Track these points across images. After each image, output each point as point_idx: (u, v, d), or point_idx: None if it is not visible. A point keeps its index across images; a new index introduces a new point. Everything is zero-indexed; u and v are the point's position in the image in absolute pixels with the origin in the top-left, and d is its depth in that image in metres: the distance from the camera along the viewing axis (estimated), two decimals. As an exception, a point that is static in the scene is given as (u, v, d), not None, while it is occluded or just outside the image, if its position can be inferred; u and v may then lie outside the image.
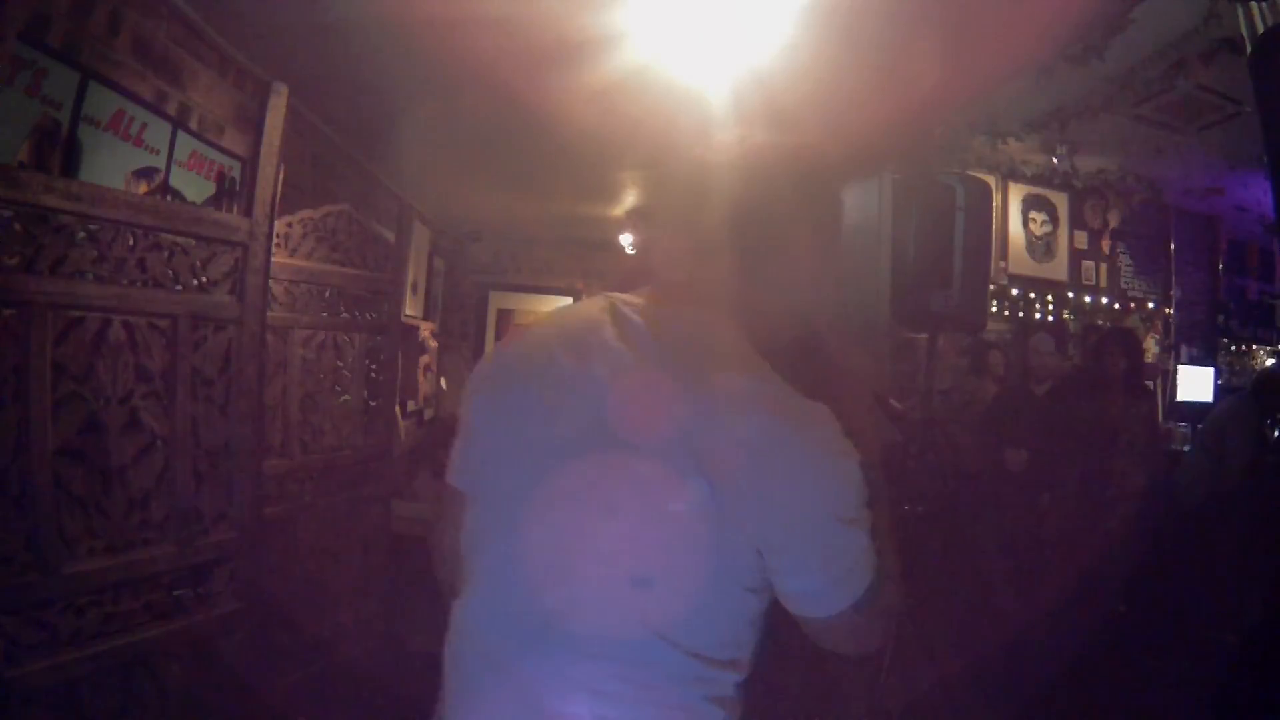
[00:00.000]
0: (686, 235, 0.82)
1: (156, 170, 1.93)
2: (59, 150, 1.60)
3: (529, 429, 0.76)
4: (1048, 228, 4.40)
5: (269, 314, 2.06)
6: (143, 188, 1.88)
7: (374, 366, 2.78)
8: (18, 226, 1.42)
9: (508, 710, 0.73)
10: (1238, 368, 5.14)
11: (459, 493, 0.82)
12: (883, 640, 0.80)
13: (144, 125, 1.86)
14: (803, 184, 0.79)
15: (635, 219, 4.59)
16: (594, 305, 0.82)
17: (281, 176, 2.08)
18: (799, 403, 0.70)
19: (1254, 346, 5.28)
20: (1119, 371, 3.01)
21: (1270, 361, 5.07)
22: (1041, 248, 4.38)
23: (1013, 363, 3.70)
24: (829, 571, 0.69)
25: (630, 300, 0.80)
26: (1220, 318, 4.97)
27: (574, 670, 0.71)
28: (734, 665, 0.74)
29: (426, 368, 4.89)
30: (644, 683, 0.70)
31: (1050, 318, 4.37)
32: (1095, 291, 4.55)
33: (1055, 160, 3.87)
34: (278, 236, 2.21)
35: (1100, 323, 4.45)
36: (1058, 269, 4.45)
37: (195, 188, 2.09)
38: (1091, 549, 2.76)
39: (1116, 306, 4.60)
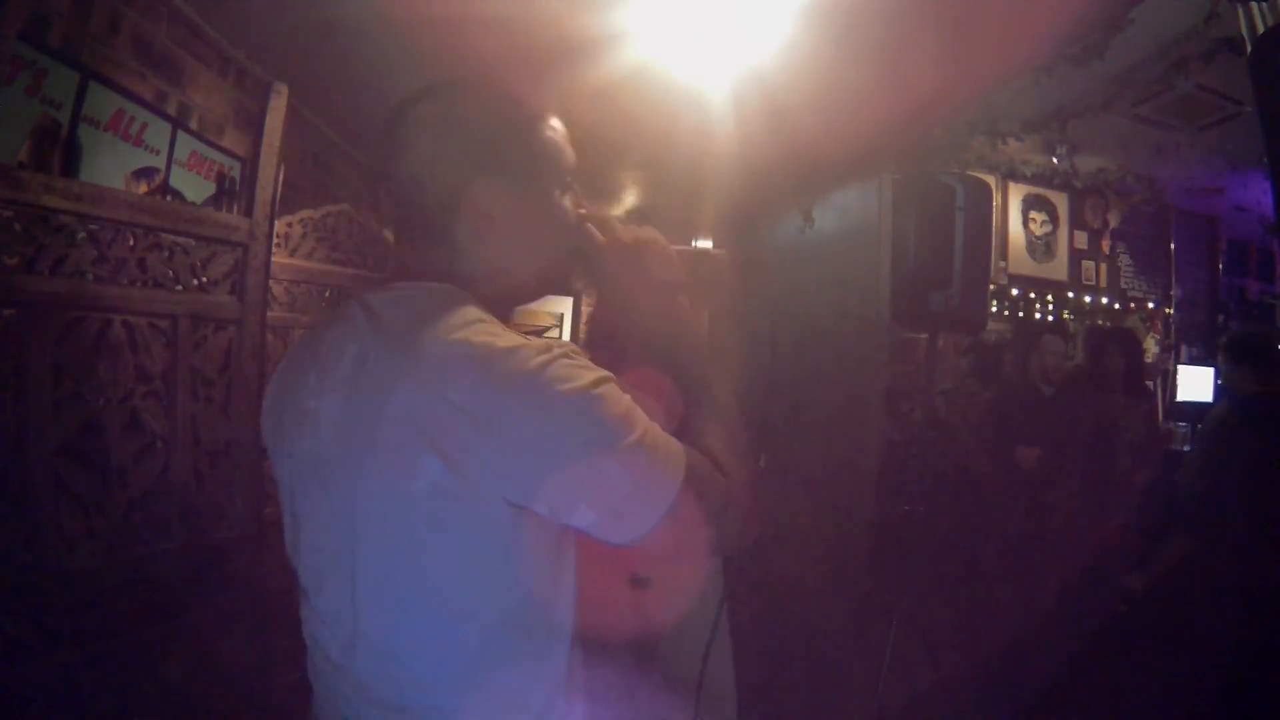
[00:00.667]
0: (385, 210, 0.81)
1: (156, 170, 1.93)
2: (59, 150, 1.60)
3: (299, 442, 0.77)
4: (1048, 228, 4.40)
5: (269, 314, 2.06)
6: (143, 188, 1.88)
7: (374, 366, 2.78)
8: (18, 226, 1.42)
9: None
10: (1238, 368, 5.13)
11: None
12: (741, 538, 0.79)
13: (144, 125, 1.86)
14: (454, 129, 0.77)
15: (635, 219, 4.58)
16: (340, 306, 0.83)
17: (281, 176, 2.08)
18: (513, 349, 0.67)
19: (1254, 346, 5.27)
20: (1119, 371, 3.01)
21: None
22: (1041, 248, 4.38)
23: (1016, 363, 3.69)
24: (605, 503, 0.68)
25: (369, 291, 0.80)
26: (1220, 318, 4.96)
27: (385, 671, 0.72)
28: (548, 628, 0.73)
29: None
30: (451, 665, 0.70)
31: (1050, 317, 4.37)
32: (1095, 291, 4.54)
33: (1055, 160, 3.87)
34: (278, 236, 2.21)
35: (1101, 323, 4.45)
36: (1058, 269, 4.44)
37: (195, 188, 2.08)
38: (1092, 548, 2.77)
39: (1116, 306, 4.60)
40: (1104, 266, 4.58)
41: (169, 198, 1.93)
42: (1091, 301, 4.51)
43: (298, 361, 0.82)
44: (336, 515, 0.72)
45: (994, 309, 4.13)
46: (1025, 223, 4.33)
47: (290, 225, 2.35)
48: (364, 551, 0.71)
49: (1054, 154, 3.76)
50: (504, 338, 0.69)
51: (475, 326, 0.70)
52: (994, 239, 3.78)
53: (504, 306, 0.81)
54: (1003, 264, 4.20)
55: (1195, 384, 4.69)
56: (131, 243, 1.65)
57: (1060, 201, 4.43)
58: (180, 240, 1.76)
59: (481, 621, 0.70)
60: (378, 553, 0.70)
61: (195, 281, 1.81)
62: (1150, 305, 4.71)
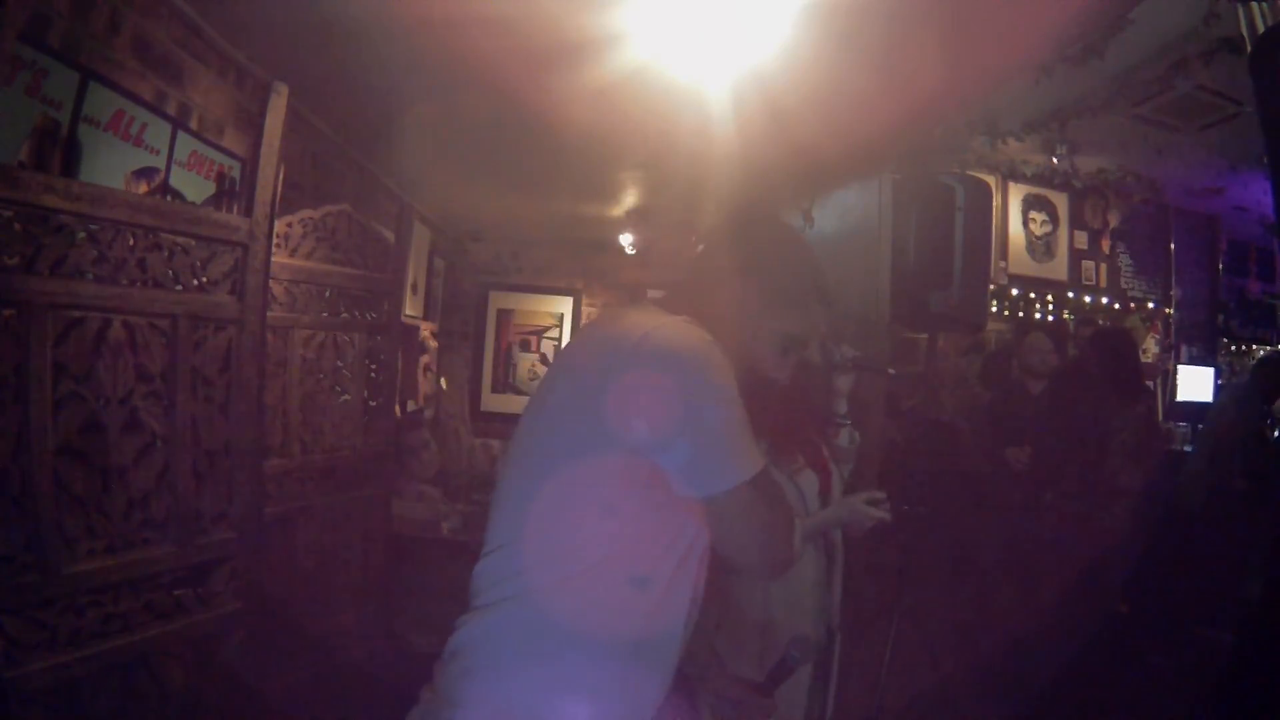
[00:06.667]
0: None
1: (156, 170, 1.93)
2: (59, 150, 1.60)
3: None
4: (1048, 228, 4.40)
5: (269, 314, 2.06)
6: (143, 188, 1.88)
7: (374, 366, 2.78)
8: (18, 226, 1.42)
9: None
10: (1238, 368, 5.14)
11: None
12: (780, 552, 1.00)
13: (144, 125, 1.86)
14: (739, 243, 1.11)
15: (635, 219, 4.59)
16: None
17: (281, 176, 2.08)
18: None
19: (1254, 346, 5.27)
20: (1108, 371, 2.99)
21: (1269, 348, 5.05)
22: (1041, 248, 4.38)
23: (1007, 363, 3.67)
24: None
25: None
26: (1220, 318, 4.96)
27: None
28: None
29: (426, 368, 4.88)
30: None
31: (1050, 317, 4.37)
32: (1095, 291, 4.54)
33: (1055, 160, 3.87)
34: (278, 236, 2.20)
35: (1102, 322, 4.45)
36: (1058, 269, 4.44)
37: (195, 188, 2.08)
38: (1091, 549, 2.76)
39: (1116, 306, 4.60)
40: (1104, 266, 4.58)
41: (169, 198, 1.93)
42: (1091, 301, 4.51)
43: None
44: None
45: (994, 309, 4.13)
46: (1025, 223, 4.33)
47: (290, 225, 2.35)
48: None
49: (1054, 154, 3.75)
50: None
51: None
52: (994, 239, 3.78)
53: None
54: (1003, 264, 4.20)
55: (1195, 384, 4.69)
56: (131, 243, 1.64)
57: (1060, 201, 4.43)
58: (180, 240, 1.76)
59: None
60: None
61: (195, 281, 1.81)
62: (1150, 305, 4.71)
